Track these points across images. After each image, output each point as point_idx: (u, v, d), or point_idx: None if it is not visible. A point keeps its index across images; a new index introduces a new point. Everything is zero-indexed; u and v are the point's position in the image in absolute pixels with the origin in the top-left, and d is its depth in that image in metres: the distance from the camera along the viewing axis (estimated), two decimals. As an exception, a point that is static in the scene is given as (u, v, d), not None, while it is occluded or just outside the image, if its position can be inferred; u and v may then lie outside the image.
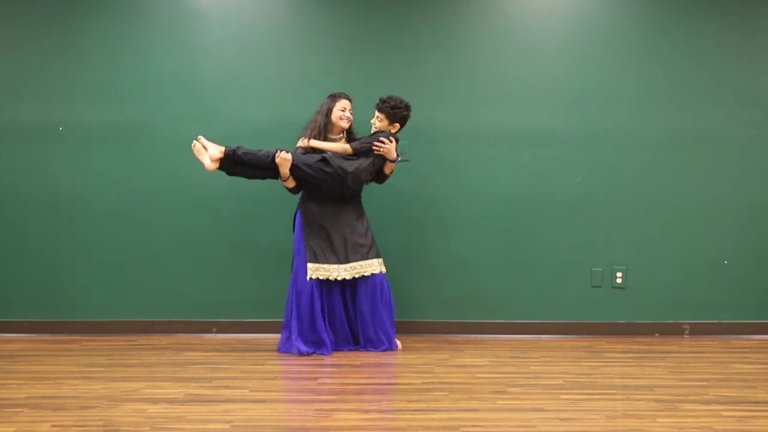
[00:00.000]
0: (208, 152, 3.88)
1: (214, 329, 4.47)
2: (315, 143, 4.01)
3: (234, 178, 4.24)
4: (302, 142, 4.04)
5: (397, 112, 3.98)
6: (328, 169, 3.92)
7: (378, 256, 4.06)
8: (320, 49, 4.38)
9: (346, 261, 3.99)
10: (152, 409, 3.14)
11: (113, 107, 4.37)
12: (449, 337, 4.43)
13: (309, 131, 4.05)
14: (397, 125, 4.03)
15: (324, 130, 4.06)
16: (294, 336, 3.98)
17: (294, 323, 3.99)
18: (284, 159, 3.89)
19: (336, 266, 3.98)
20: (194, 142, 3.90)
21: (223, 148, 3.89)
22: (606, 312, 4.50)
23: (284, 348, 4.03)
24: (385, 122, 4.01)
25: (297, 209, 4.14)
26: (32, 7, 4.33)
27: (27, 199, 4.41)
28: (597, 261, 4.48)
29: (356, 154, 3.99)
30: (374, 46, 4.38)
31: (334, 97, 4.08)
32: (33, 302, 4.45)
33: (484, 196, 4.44)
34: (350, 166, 3.94)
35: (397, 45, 4.37)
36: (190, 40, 4.36)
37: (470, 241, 4.45)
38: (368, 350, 4.05)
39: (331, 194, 4.02)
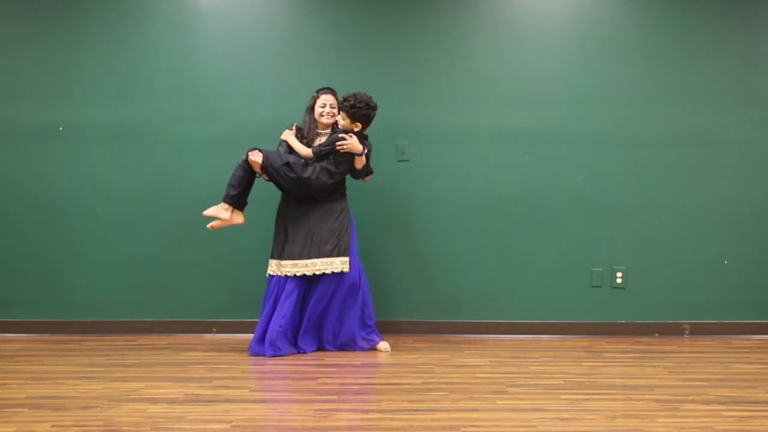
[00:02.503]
0: (223, 217, 4.00)
1: (214, 329, 4.47)
2: (289, 138, 4.05)
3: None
4: (286, 134, 4.08)
5: (356, 111, 3.93)
6: (291, 174, 3.94)
7: (343, 255, 3.97)
8: (320, 49, 4.38)
9: (302, 257, 3.95)
10: (152, 409, 3.14)
11: (113, 107, 4.37)
12: (449, 337, 4.43)
13: (295, 127, 4.10)
14: (359, 124, 4.00)
15: (311, 127, 4.07)
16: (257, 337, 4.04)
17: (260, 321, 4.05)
18: (254, 162, 3.93)
19: (289, 262, 3.96)
20: (210, 226, 4.03)
21: (225, 205, 4.00)
22: (606, 312, 4.50)
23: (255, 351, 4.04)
24: (347, 121, 3.98)
25: None
26: (32, 7, 4.33)
27: (27, 199, 4.41)
28: (597, 261, 4.48)
29: (317, 158, 3.98)
30: (374, 46, 4.38)
31: (317, 93, 4.09)
32: (33, 302, 4.45)
33: (484, 196, 4.44)
34: (308, 172, 3.94)
35: (397, 45, 4.38)
36: (190, 40, 4.36)
37: (470, 241, 4.45)
38: (327, 349, 4.06)
39: (301, 195, 4.01)
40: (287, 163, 3.94)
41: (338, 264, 3.95)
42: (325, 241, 3.96)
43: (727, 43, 4.38)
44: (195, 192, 4.40)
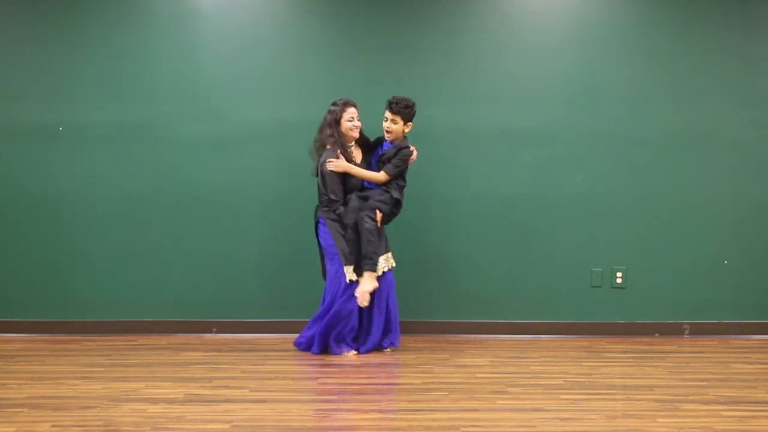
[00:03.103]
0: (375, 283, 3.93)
1: (214, 329, 4.47)
2: (351, 169, 3.93)
3: (232, 177, 4.35)
4: (335, 166, 3.91)
5: (410, 111, 3.96)
6: (395, 210, 4.01)
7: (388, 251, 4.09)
8: (320, 49, 4.38)
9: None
10: (152, 409, 3.14)
11: (113, 107, 4.37)
12: (449, 337, 4.43)
13: (334, 150, 3.92)
14: (411, 124, 4.01)
15: (343, 143, 3.97)
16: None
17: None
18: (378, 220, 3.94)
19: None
20: (366, 303, 3.92)
21: (372, 273, 3.92)
22: (606, 312, 4.50)
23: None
24: (400, 123, 3.96)
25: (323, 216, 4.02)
26: (32, 7, 4.33)
27: (27, 199, 4.41)
28: (597, 261, 4.48)
29: (393, 178, 3.97)
30: (374, 46, 4.38)
31: (339, 106, 3.98)
32: (33, 302, 4.45)
33: (484, 196, 4.44)
34: (397, 195, 3.98)
35: (397, 45, 4.37)
36: (190, 40, 4.36)
37: (470, 241, 4.45)
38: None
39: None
40: (382, 201, 3.94)
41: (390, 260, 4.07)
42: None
43: (727, 43, 4.38)
44: (195, 192, 4.40)
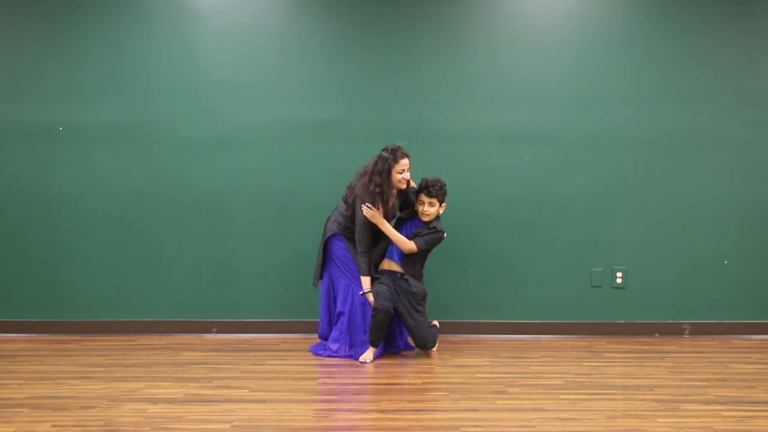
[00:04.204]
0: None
1: (214, 329, 4.47)
2: (384, 225, 3.89)
3: (232, 177, 4.34)
4: (371, 216, 3.84)
5: (445, 192, 3.99)
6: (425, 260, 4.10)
7: None
8: (320, 50, 4.38)
9: None
10: (152, 409, 3.14)
11: (113, 107, 4.37)
12: (449, 337, 4.42)
13: (376, 200, 3.82)
14: (445, 204, 4.02)
15: (390, 194, 3.84)
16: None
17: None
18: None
19: None
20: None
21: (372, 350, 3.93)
22: (606, 312, 4.50)
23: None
24: (437, 206, 3.98)
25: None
26: (32, 8, 4.32)
27: (27, 199, 4.41)
28: (597, 261, 4.48)
29: (419, 252, 3.98)
30: (374, 46, 4.37)
31: (392, 154, 3.82)
32: (33, 302, 4.45)
33: (484, 196, 4.44)
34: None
35: (398, 45, 4.37)
36: (190, 40, 4.36)
37: (470, 241, 4.45)
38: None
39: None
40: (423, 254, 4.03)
41: None
42: None
43: (726, 43, 4.38)
44: (195, 192, 4.41)
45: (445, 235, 4.03)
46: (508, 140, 4.41)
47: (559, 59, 4.39)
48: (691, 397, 3.32)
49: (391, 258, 4.04)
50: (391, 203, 3.87)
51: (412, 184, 4.04)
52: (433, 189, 3.95)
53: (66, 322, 4.46)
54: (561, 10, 4.38)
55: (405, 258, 3.99)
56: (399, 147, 3.87)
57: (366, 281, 3.92)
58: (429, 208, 3.97)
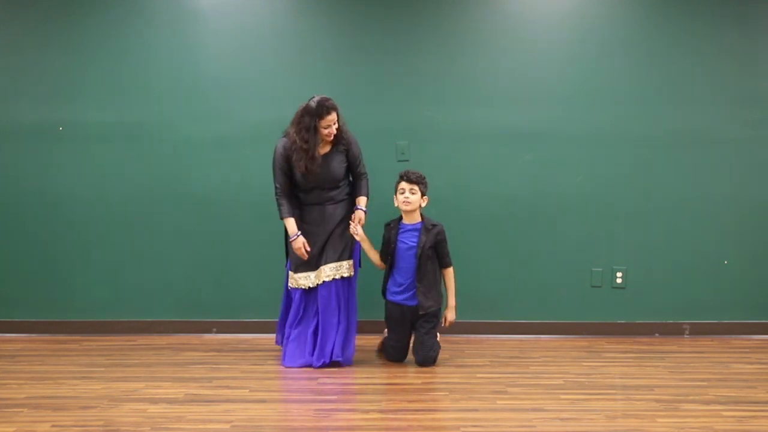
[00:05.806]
0: None
1: (214, 329, 4.47)
2: (365, 244, 3.86)
3: (232, 176, 4.34)
4: (360, 239, 3.83)
5: (426, 184, 3.84)
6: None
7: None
8: (320, 49, 4.38)
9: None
10: (152, 409, 3.14)
11: (113, 107, 4.37)
12: (449, 337, 4.42)
13: (300, 153, 3.65)
14: (426, 197, 3.86)
15: (309, 150, 3.66)
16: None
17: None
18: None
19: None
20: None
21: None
22: (606, 312, 4.50)
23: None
24: (419, 194, 3.81)
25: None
26: (33, 8, 4.33)
27: (27, 199, 4.41)
28: (597, 261, 4.48)
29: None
30: (374, 46, 4.37)
31: (318, 110, 3.64)
32: (33, 302, 4.46)
33: (484, 196, 4.44)
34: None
35: (398, 45, 4.37)
36: (190, 40, 4.36)
37: (470, 241, 4.45)
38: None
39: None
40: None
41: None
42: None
43: (726, 43, 4.38)
44: (195, 192, 4.41)
45: (442, 225, 3.92)
46: (508, 140, 4.41)
47: (559, 59, 4.39)
48: (691, 397, 3.32)
49: (395, 282, 3.88)
50: (317, 161, 3.68)
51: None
52: (413, 175, 3.77)
53: (66, 322, 4.46)
54: (561, 10, 4.38)
55: (418, 269, 3.80)
56: (326, 100, 3.66)
57: (289, 223, 3.74)
58: (411, 196, 3.77)
